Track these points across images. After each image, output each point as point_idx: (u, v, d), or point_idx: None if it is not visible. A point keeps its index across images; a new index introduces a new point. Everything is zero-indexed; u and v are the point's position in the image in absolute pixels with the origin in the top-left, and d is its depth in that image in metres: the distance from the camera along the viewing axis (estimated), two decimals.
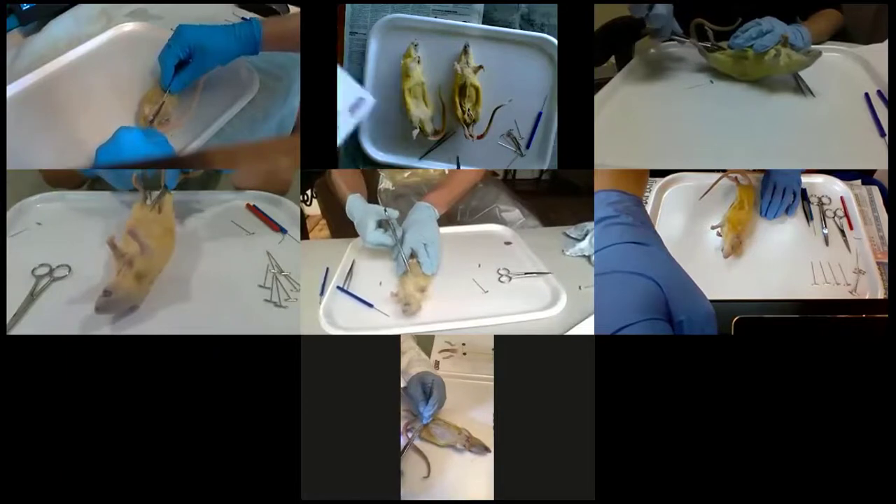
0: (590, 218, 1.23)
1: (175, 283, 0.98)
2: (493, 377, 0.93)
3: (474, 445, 0.94)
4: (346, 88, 1.08)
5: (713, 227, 1.12)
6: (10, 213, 1.11)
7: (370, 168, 1.18)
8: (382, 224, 1.13)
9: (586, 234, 1.20)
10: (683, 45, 1.22)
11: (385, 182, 1.53)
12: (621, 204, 0.82)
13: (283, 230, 1.14)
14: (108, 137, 0.94)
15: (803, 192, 1.19)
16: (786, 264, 1.05)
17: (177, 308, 0.93)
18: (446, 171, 1.49)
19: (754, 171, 1.21)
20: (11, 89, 1.07)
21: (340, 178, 1.29)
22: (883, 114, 1.07)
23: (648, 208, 1.21)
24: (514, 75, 1.12)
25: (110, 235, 0.91)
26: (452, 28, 1.11)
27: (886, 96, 1.10)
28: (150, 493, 0.91)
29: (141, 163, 1.02)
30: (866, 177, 1.25)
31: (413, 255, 1.09)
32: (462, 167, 1.16)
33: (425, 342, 1.21)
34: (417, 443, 0.95)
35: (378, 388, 0.92)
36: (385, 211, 1.11)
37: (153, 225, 1.00)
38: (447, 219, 1.34)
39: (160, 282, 0.96)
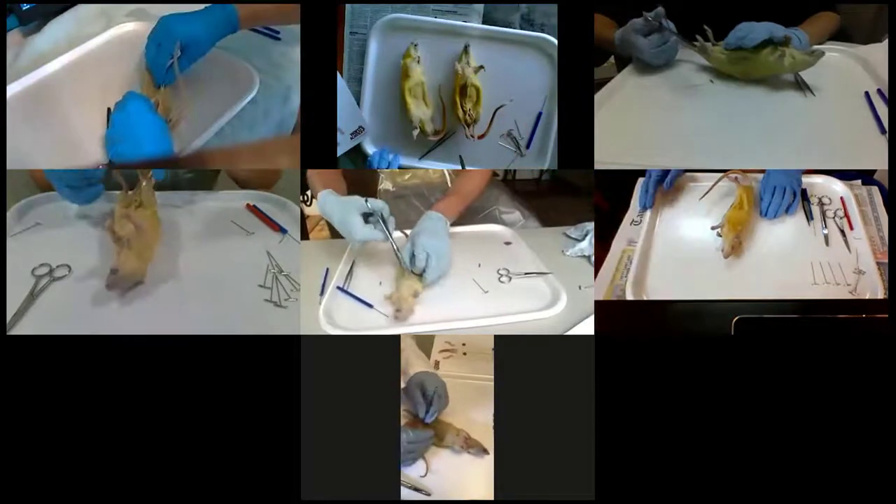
0: (590, 218, 1.23)
1: (175, 282, 0.98)
2: (493, 377, 0.93)
3: (472, 447, 0.94)
4: (349, 114, 1.09)
5: (713, 228, 1.12)
6: (10, 213, 1.11)
7: (370, 168, 1.18)
8: (368, 217, 1.07)
9: (586, 234, 1.20)
10: (686, 48, 1.23)
11: (385, 183, 1.53)
12: None
13: (283, 230, 1.14)
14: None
15: (803, 192, 1.19)
16: (786, 264, 1.05)
17: (177, 308, 0.93)
18: (447, 173, 1.50)
19: (754, 170, 1.21)
20: (11, 89, 1.07)
21: (316, 175, 1.22)
22: (883, 112, 1.07)
23: (648, 212, 1.21)
24: (515, 75, 1.12)
25: (108, 221, 0.98)
26: (452, 28, 1.11)
27: (886, 95, 1.10)
28: (149, 492, 0.91)
29: (141, 163, 1.02)
30: (866, 177, 1.25)
31: (413, 258, 1.06)
32: (466, 167, 1.16)
33: (425, 342, 1.21)
34: None
35: (378, 388, 0.92)
36: (367, 202, 1.05)
37: (139, 210, 1.04)
38: None
39: (160, 281, 0.97)
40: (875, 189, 1.22)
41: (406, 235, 1.12)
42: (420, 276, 1.04)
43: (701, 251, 1.10)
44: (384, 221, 1.06)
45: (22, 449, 0.90)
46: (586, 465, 0.91)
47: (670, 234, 1.16)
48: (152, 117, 1.00)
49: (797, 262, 1.04)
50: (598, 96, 1.16)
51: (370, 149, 1.16)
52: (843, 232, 1.10)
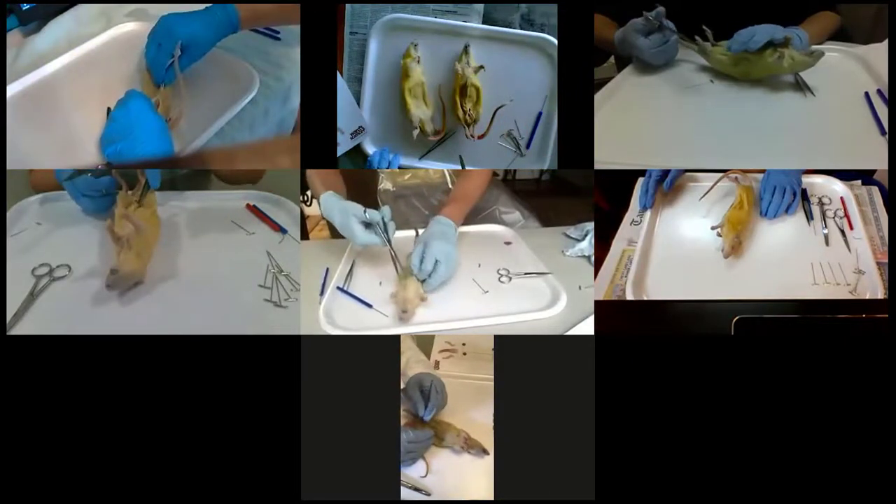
0: (590, 218, 1.23)
1: (175, 282, 0.98)
2: (493, 377, 0.93)
3: (472, 447, 0.94)
4: (349, 114, 1.09)
5: (713, 228, 1.12)
6: (10, 213, 1.11)
7: (370, 168, 1.18)
8: (367, 224, 1.09)
9: (586, 234, 1.20)
10: (686, 48, 1.23)
11: (385, 183, 1.53)
12: None
13: (283, 230, 1.14)
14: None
15: (803, 192, 1.19)
16: (786, 264, 1.05)
17: (177, 308, 0.93)
18: (447, 173, 1.50)
19: (754, 171, 1.21)
20: (11, 89, 1.07)
21: (316, 176, 1.24)
22: (883, 112, 1.07)
23: (648, 212, 1.21)
24: (515, 75, 1.12)
25: (108, 221, 0.98)
26: (452, 28, 1.11)
27: (886, 95, 1.10)
28: (150, 492, 0.91)
29: (141, 163, 1.02)
30: (866, 177, 1.25)
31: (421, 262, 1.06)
32: (466, 167, 1.16)
33: (425, 342, 1.21)
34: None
35: (378, 388, 0.92)
36: (365, 212, 1.07)
37: (139, 210, 1.04)
38: None
39: (160, 281, 0.97)
40: (875, 189, 1.22)
41: (418, 233, 1.11)
42: (423, 280, 1.03)
43: (701, 251, 1.10)
44: (385, 228, 1.07)
45: (22, 449, 0.90)
46: (586, 466, 0.91)
47: (670, 234, 1.16)
48: (153, 116, 1.00)
49: (797, 262, 1.04)
50: (598, 96, 1.16)
51: (370, 149, 1.16)
52: (843, 232, 1.10)
